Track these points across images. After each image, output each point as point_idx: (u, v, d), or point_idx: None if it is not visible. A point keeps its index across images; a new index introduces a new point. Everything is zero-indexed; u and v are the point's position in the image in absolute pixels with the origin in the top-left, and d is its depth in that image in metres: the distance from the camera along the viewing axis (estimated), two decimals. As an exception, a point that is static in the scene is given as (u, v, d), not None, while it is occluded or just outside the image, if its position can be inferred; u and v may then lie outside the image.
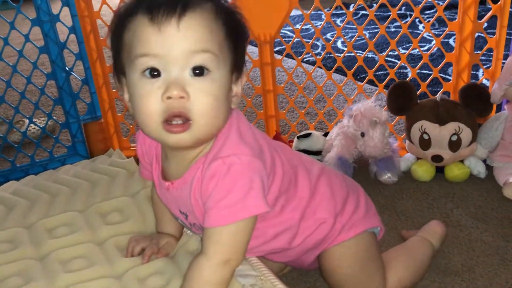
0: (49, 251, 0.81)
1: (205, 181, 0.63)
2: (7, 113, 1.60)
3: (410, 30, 1.23)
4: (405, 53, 1.26)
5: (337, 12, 3.00)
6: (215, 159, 0.62)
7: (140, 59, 0.58)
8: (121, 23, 0.61)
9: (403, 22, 2.44)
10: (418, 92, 1.25)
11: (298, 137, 1.29)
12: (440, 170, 1.19)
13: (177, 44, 0.58)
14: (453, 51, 1.19)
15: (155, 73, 0.58)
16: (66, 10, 1.26)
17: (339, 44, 2.36)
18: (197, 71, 0.59)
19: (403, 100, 1.17)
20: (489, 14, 1.13)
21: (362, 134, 1.16)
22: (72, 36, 1.30)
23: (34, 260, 0.79)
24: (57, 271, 0.75)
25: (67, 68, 1.33)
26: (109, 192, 0.96)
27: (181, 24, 0.58)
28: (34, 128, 1.51)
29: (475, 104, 1.12)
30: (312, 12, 1.24)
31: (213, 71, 0.60)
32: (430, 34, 2.24)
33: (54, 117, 1.42)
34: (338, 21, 2.76)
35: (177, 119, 0.58)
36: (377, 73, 1.30)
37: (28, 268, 0.76)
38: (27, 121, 1.48)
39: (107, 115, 1.41)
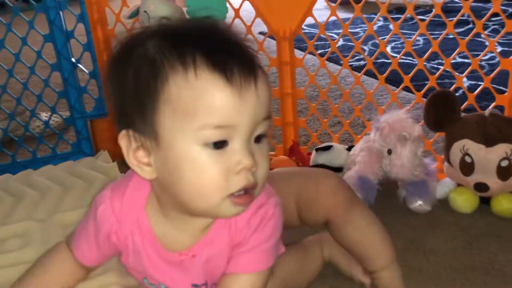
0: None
1: (246, 231, 0.56)
2: (8, 105, 1.49)
3: (470, 39, 1.00)
4: (461, 61, 1.04)
5: (392, 16, 2.78)
6: (259, 207, 0.56)
7: (210, 131, 0.48)
8: (158, 73, 0.49)
9: (464, 28, 2.24)
10: (464, 105, 1.04)
11: (316, 150, 1.11)
12: (485, 201, 0.98)
13: (255, 113, 0.50)
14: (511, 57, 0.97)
15: (220, 143, 0.49)
16: (73, -4, 1.17)
17: (388, 49, 2.15)
18: (260, 138, 0.52)
19: (443, 112, 0.97)
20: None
21: (389, 151, 0.96)
22: (81, 26, 1.20)
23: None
24: None
25: (73, 60, 1.24)
26: (80, 199, 0.83)
27: (258, 88, 0.50)
28: (38, 122, 1.42)
29: (534, 122, 0.90)
30: (365, 16, 1.06)
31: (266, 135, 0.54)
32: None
33: (59, 112, 1.33)
34: (390, 26, 2.54)
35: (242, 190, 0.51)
36: (419, 83, 1.10)
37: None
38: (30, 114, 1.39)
39: (114, 112, 1.30)
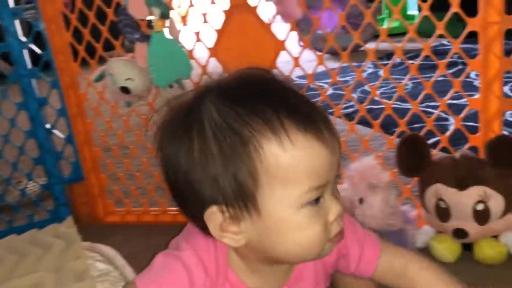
0: None
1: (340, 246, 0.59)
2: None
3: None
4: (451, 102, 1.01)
5: (382, 63, 2.82)
6: None
7: (314, 192, 0.48)
8: (249, 142, 0.46)
9: (453, 70, 2.24)
10: (439, 148, 1.01)
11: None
12: (468, 248, 0.92)
13: (338, 163, 0.51)
14: (478, 95, 0.95)
15: (317, 200, 0.49)
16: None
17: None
18: None
19: (414, 157, 0.93)
20: (520, 47, 0.89)
21: (361, 200, 0.93)
22: (54, 91, 1.22)
23: None
24: None
25: (48, 126, 1.24)
26: (33, 266, 0.80)
27: (336, 139, 0.50)
28: (17, 190, 1.40)
29: (507, 161, 0.86)
30: (355, 64, 1.06)
31: None
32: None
33: (38, 179, 1.32)
34: (380, 72, 2.57)
35: None
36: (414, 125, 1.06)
37: None
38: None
39: (90, 175, 1.28)
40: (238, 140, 0.46)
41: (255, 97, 0.48)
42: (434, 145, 1.04)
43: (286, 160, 0.46)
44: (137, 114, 1.20)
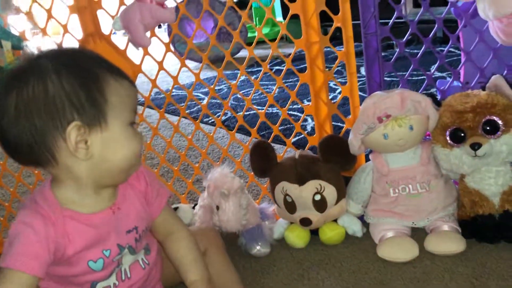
0: None
1: (141, 179, 0.80)
2: None
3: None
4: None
5: (253, 69, 3.00)
6: None
7: (133, 114, 0.72)
8: (98, 76, 0.68)
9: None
10: (285, 149, 1.16)
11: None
12: (316, 233, 1.08)
13: None
14: (310, 103, 1.11)
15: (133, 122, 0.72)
16: None
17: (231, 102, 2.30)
18: None
19: (263, 160, 1.07)
20: (337, 61, 1.06)
21: (217, 207, 1.04)
22: None
23: None
24: None
25: None
26: None
27: None
28: None
29: (334, 157, 1.03)
30: (229, 72, 1.16)
31: None
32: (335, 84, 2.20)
33: None
34: (253, 78, 2.73)
35: None
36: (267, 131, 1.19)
37: None
38: None
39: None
40: (88, 74, 0.67)
41: (94, 59, 0.72)
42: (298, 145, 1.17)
43: (121, 90, 0.70)
44: None
